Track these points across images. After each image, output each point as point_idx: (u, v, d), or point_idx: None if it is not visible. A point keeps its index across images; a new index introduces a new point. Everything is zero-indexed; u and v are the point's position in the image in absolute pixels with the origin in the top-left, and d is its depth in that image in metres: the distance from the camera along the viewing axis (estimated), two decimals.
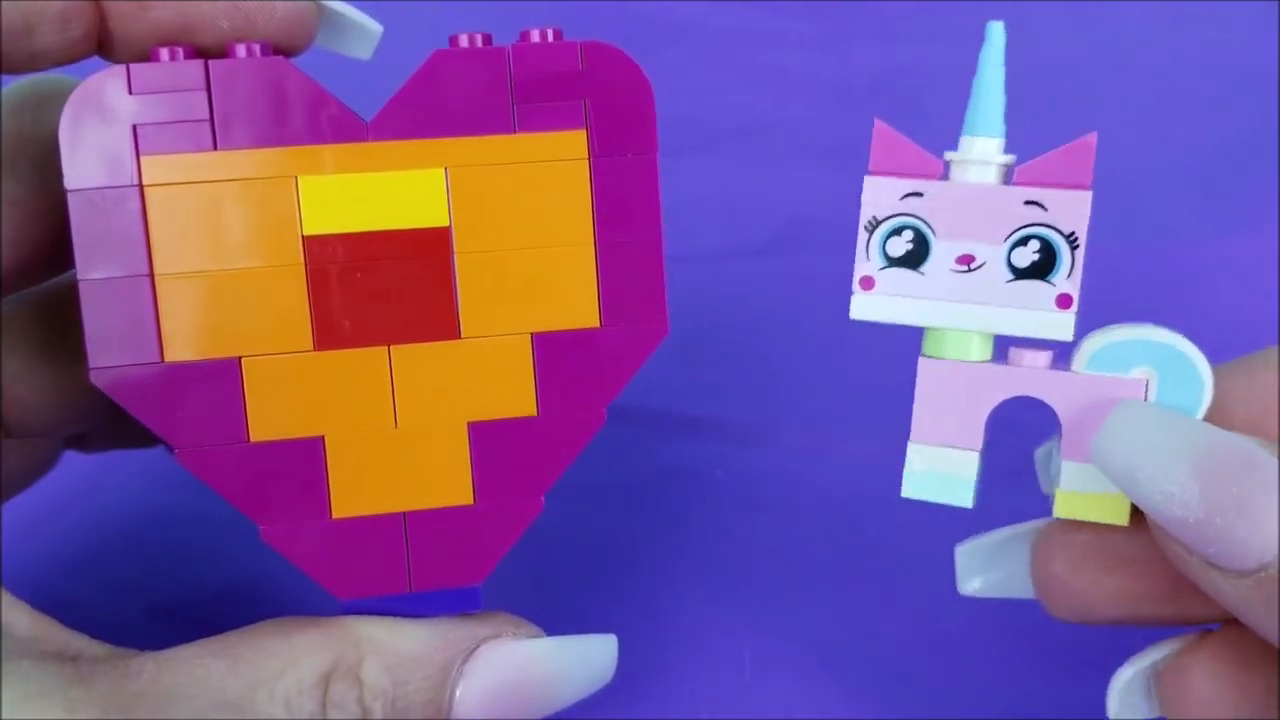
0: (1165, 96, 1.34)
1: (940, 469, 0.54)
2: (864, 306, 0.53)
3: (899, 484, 0.57)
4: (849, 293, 0.55)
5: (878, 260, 0.53)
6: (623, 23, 1.21)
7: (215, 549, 0.83)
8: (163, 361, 0.50)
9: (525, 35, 0.52)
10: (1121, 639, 0.61)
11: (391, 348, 0.52)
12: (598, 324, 0.53)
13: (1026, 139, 0.63)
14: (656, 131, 0.53)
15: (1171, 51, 1.38)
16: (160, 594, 0.81)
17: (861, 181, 0.55)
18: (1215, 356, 0.62)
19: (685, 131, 1.12)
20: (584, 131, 0.52)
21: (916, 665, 0.74)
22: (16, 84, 0.56)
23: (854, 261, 0.53)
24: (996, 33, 0.51)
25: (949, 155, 0.52)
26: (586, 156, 0.52)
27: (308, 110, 0.50)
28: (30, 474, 0.66)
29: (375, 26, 0.58)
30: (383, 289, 0.51)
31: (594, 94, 0.52)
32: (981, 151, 0.51)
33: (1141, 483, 0.46)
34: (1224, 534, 0.45)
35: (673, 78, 0.72)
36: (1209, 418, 0.51)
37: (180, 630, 0.58)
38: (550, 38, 0.52)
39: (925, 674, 0.73)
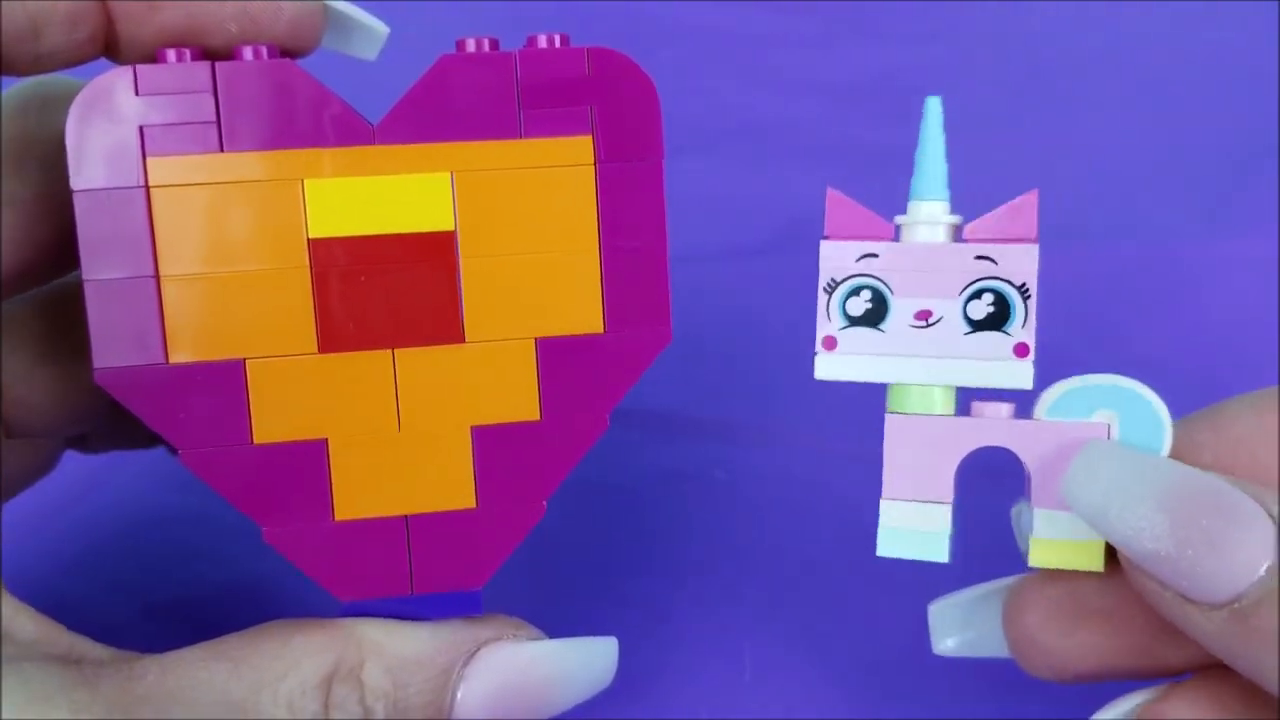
0: (1166, 97, 1.35)
1: (913, 525, 0.55)
2: (828, 367, 0.55)
3: None
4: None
5: (839, 320, 0.55)
6: (623, 23, 1.21)
7: (215, 549, 0.83)
8: (167, 363, 0.50)
9: (532, 40, 0.52)
10: None
11: (395, 351, 0.52)
12: (601, 330, 0.53)
13: (1027, 140, 0.63)
14: (663, 138, 0.53)
15: (1171, 52, 1.38)
16: (160, 594, 0.81)
17: (861, 180, 0.56)
18: (1214, 357, 0.62)
19: (685, 131, 1.12)
20: (590, 137, 0.52)
21: (918, 667, 0.74)
22: (22, 85, 0.56)
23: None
24: (934, 107, 0.54)
25: (899, 219, 0.54)
26: (592, 162, 0.52)
27: (314, 113, 0.50)
28: (31, 474, 0.66)
29: (381, 28, 0.58)
30: (387, 292, 0.51)
31: (600, 100, 0.52)
32: (929, 213, 0.53)
33: (1112, 519, 0.47)
34: (1195, 567, 0.45)
35: (673, 78, 0.72)
36: None
37: (180, 630, 0.58)
38: (557, 43, 0.52)
39: (927, 675, 0.73)
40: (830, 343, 0.55)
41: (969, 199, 0.60)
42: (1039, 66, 1.44)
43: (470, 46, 0.51)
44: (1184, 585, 0.45)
